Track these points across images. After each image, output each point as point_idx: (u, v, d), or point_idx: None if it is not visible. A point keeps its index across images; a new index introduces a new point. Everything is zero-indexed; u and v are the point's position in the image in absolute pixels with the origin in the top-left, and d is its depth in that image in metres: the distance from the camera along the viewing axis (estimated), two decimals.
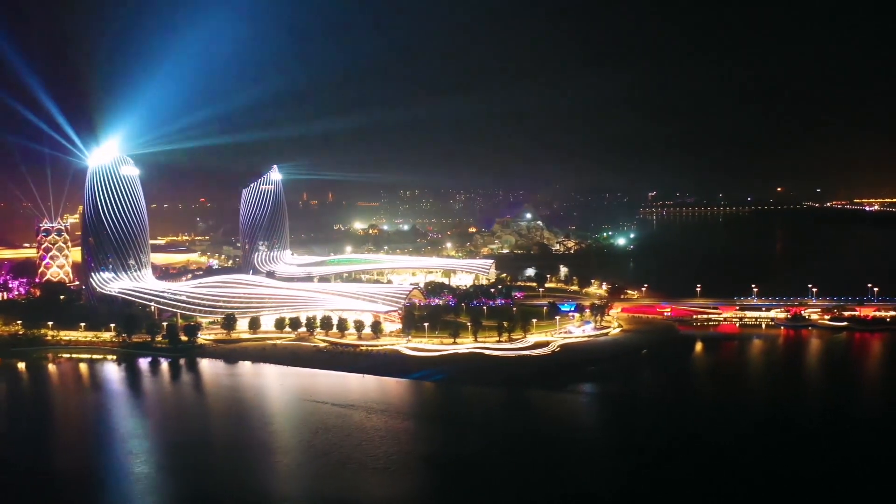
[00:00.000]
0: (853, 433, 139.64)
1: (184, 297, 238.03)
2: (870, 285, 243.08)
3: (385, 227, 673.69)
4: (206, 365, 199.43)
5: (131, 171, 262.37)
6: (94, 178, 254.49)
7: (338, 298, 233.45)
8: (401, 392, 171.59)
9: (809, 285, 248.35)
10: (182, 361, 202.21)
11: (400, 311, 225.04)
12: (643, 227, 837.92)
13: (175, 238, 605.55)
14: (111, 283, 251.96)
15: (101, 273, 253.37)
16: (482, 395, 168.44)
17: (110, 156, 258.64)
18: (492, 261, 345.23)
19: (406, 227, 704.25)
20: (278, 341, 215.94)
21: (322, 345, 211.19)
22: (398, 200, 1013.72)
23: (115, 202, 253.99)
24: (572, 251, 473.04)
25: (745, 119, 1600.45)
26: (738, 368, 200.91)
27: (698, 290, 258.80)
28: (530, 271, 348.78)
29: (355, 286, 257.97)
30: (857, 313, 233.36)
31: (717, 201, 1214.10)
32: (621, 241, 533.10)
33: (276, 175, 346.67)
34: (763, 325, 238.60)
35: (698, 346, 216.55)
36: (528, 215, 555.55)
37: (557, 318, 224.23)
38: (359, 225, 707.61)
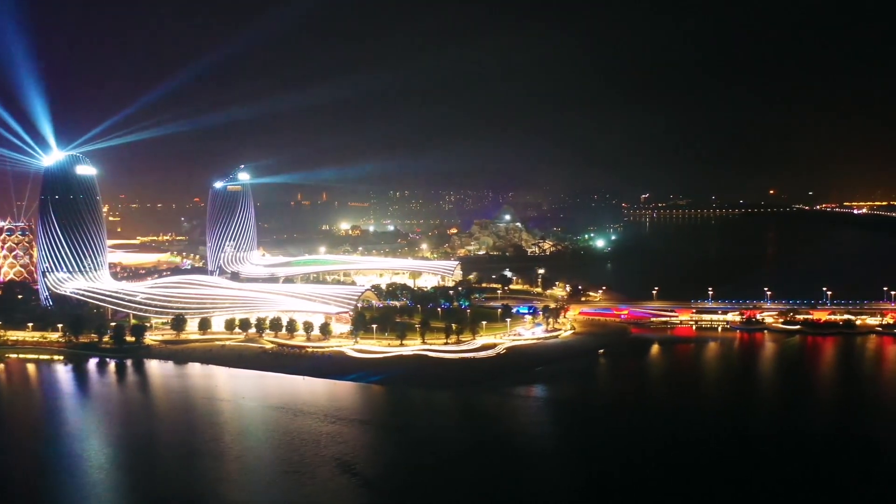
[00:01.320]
0: (799, 439, 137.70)
1: (137, 298, 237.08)
2: (825, 289, 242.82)
3: (371, 228, 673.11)
4: (149, 366, 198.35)
5: (87, 171, 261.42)
6: (48, 179, 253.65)
7: (289, 299, 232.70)
8: (336, 394, 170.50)
9: (765, 289, 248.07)
10: (129, 362, 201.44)
11: (351, 313, 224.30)
12: (629, 229, 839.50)
13: (155, 238, 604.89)
14: (66, 283, 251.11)
15: (57, 273, 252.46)
16: (417, 398, 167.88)
17: (64, 156, 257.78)
18: (457, 262, 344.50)
19: (391, 228, 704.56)
20: (227, 342, 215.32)
21: (268, 346, 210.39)
22: (387, 201, 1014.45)
23: (69, 202, 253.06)
24: (547, 253, 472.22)
25: (739, 122, 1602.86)
26: (684, 371, 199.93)
27: (654, 293, 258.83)
28: (508, 273, 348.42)
29: (309, 287, 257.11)
30: (811, 316, 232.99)
31: (709, 204, 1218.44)
32: (600, 243, 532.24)
33: (243, 175, 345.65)
34: (719, 329, 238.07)
35: (651, 349, 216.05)
36: (507, 217, 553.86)
37: (509, 320, 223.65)
38: (344, 225, 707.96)
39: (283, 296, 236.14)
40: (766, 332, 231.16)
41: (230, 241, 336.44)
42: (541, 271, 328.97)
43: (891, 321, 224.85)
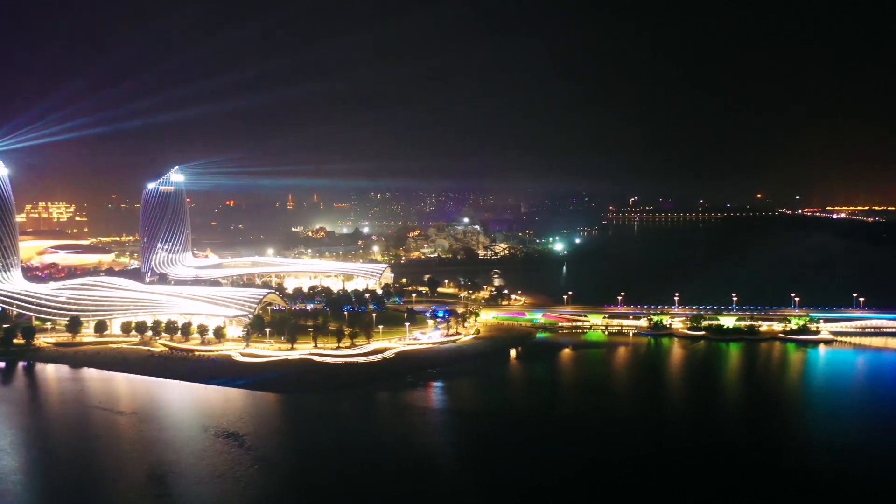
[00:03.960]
0: (706, 451, 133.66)
1: (37, 300, 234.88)
2: (734, 295, 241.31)
3: (345, 230, 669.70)
4: (30, 369, 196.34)
5: None
6: None
7: (189, 302, 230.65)
8: (197, 398, 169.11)
9: (676, 294, 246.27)
10: (19, 365, 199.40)
11: (250, 316, 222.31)
12: (604, 232, 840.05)
13: (117, 238, 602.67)
14: None
15: None
16: (284, 402, 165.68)
17: None
18: (385, 265, 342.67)
19: (366, 230, 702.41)
20: (122, 345, 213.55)
21: (158, 349, 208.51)
22: (368, 203, 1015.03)
23: None
24: (499, 256, 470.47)
25: (729, 126, 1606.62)
26: (570, 376, 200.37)
27: (565, 297, 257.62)
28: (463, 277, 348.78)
29: (212, 290, 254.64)
30: (718, 322, 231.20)
31: (696, 207, 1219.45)
32: (558, 247, 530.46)
33: (177, 177, 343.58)
34: (630, 334, 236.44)
35: (551, 354, 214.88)
36: (466, 219, 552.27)
37: (408, 324, 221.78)
38: (318, 227, 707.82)
39: (184, 298, 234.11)
40: (672, 337, 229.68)
41: (162, 242, 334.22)
42: (477, 279, 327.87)
43: (794, 327, 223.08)
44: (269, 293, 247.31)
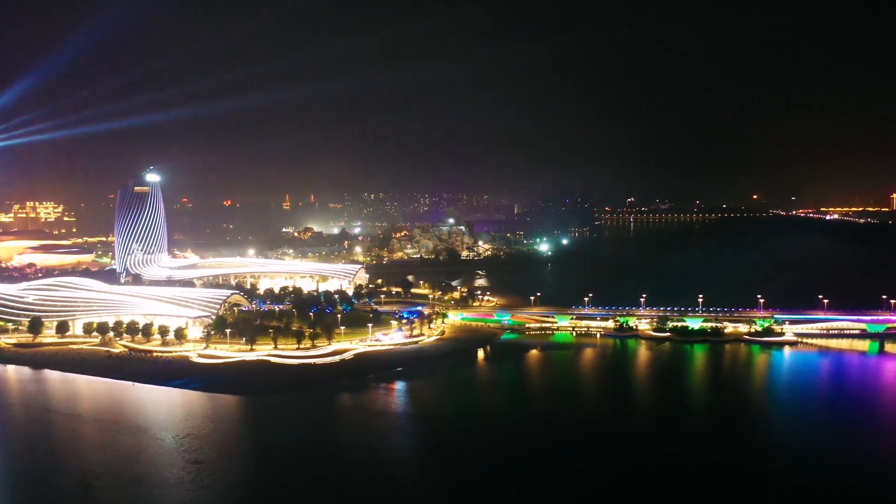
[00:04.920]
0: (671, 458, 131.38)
1: (4, 301, 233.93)
2: (700, 297, 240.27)
3: (335, 230, 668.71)
4: None
5: None
6: None
7: (152, 303, 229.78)
8: (146, 400, 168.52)
9: (644, 295, 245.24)
10: None
11: (213, 317, 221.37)
12: (597, 233, 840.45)
13: (104, 239, 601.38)
14: None
15: None
16: (232, 404, 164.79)
17: None
18: (360, 266, 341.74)
19: (357, 230, 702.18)
20: (83, 346, 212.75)
21: (117, 350, 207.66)
22: (361, 203, 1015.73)
23: None
24: (482, 257, 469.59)
25: (727, 127, 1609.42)
26: (534, 377, 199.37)
27: (532, 299, 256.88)
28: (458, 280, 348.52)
29: (176, 290, 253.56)
30: (684, 323, 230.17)
31: (692, 208, 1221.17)
32: (544, 248, 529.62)
33: (152, 177, 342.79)
34: (598, 335, 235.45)
35: (515, 356, 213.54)
36: (451, 220, 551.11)
37: (370, 325, 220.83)
38: (312, 227, 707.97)
39: (148, 299, 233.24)
40: (637, 338, 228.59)
41: (137, 243, 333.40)
42: (456, 280, 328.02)
43: (759, 329, 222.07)
44: (232, 294, 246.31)
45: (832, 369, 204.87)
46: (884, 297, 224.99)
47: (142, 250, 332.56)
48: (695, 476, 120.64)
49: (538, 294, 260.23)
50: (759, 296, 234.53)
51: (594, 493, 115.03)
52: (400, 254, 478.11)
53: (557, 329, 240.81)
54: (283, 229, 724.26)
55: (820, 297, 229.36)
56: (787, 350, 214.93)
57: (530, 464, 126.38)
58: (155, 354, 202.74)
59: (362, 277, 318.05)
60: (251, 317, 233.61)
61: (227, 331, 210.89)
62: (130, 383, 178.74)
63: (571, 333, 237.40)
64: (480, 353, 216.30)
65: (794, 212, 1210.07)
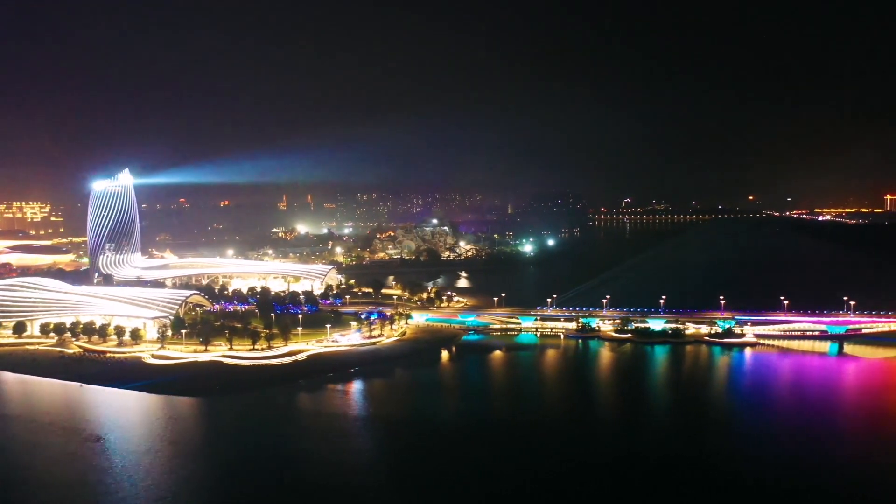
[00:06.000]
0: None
1: None
2: (663, 298, 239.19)
3: (323, 230, 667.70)
4: None
5: None
6: None
7: (112, 303, 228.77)
8: (86, 401, 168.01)
9: (607, 297, 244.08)
10: None
11: (171, 318, 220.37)
12: (587, 234, 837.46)
13: (75, 239, 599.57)
14: None
15: None
16: (175, 404, 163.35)
17: None
18: (330, 266, 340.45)
19: (347, 231, 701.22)
20: (39, 347, 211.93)
21: (71, 351, 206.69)
22: (354, 204, 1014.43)
23: None
24: (462, 258, 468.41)
25: (725, 128, 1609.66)
26: (494, 379, 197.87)
27: (496, 300, 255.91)
28: (439, 280, 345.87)
29: (138, 290, 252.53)
30: (646, 325, 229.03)
31: (688, 209, 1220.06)
32: (528, 248, 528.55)
33: (126, 177, 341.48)
34: (561, 336, 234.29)
35: (475, 357, 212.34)
36: (435, 220, 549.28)
37: (328, 326, 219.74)
38: (302, 228, 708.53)
39: (107, 299, 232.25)
40: (599, 340, 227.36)
41: (110, 243, 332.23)
42: (426, 282, 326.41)
43: (719, 330, 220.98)
44: (192, 294, 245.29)
45: (791, 372, 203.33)
46: (845, 298, 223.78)
47: (113, 250, 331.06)
48: (655, 481, 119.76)
49: (503, 295, 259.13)
50: (721, 297, 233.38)
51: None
52: (382, 254, 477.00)
53: (521, 330, 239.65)
54: (273, 230, 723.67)
55: (781, 298, 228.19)
56: (747, 351, 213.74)
57: (489, 472, 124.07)
58: (108, 355, 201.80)
59: (334, 278, 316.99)
60: (212, 317, 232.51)
61: (183, 331, 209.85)
62: (78, 384, 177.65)
63: (536, 334, 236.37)
64: (445, 355, 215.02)
65: (787, 213, 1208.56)
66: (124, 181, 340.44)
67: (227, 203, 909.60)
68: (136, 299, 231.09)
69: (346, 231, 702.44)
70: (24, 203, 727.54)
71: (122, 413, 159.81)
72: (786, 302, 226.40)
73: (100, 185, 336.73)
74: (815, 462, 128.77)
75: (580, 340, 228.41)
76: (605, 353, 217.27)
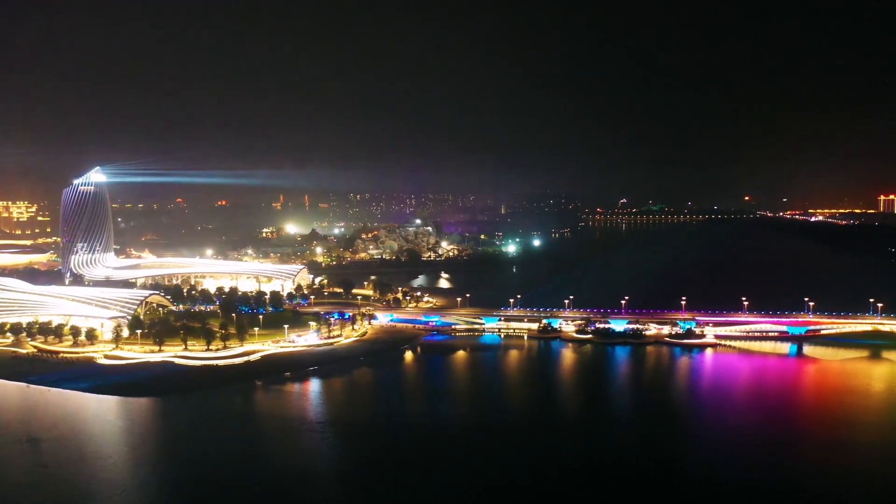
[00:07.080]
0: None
1: None
2: (625, 299, 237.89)
3: (314, 229, 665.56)
4: None
5: None
6: None
7: (71, 303, 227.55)
8: (30, 401, 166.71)
9: (571, 297, 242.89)
10: None
11: (128, 318, 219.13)
12: (577, 235, 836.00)
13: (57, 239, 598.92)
14: None
15: None
16: (118, 405, 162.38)
17: None
18: (301, 267, 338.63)
19: (336, 231, 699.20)
20: None
21: (24, 351, 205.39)
22: (347, 204, 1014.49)
23: None
24: (443, 258, 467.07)
25: (723, 130, 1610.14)
26: (451, 380, 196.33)
27: (459, 300, 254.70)
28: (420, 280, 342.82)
29: (97, 291, 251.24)
30: (608, 325, 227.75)
31: (683, 210, 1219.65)
32: (511, 249, 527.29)
33: (98, 177, 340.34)
34: (524, 337, 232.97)
35: (450, 358, 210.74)
36: (418, 221, 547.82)
37: (286, 326, 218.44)
38: (292, 228, 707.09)
39: (67, 299, 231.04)
40: (561, 340, 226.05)
41: (82, 242, 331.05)
42: (397, 282, 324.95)
43: (680, 331, 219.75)
44: (151, 294, 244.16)
45: (749, 373, 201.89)
46: (805, 299, 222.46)
47: (85, 250, 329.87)
48: (615, 485, 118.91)
49: (467, 295, 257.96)
50: (682, 298, 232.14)
51: None
52: (363, 254, 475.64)
53: (485, 331, 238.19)
54: (264, 230, 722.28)
55: (742, 299, 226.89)
56: (707, 352, 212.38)
57: (445, 479, 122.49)
58: (61, 355, 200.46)
59: (305, 278, 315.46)
60: (172, 318, 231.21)
61: (138, 332, 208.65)
62: (25, 385, 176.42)
63: (499, 335, 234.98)
64: (408, 355, 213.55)
65: (781, 213, 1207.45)
66: (96, 180, 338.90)
67: (223, 203, 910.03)
68: (95, 299, 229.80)
69: (336, 231, 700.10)
70: (10, 203, 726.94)
71: (62, 414, 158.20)
72: (746, 303, 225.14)
73: (71, 185, 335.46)
74: (772, 464, 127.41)
75: (542, 341, 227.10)
76: (567, 354, 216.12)
